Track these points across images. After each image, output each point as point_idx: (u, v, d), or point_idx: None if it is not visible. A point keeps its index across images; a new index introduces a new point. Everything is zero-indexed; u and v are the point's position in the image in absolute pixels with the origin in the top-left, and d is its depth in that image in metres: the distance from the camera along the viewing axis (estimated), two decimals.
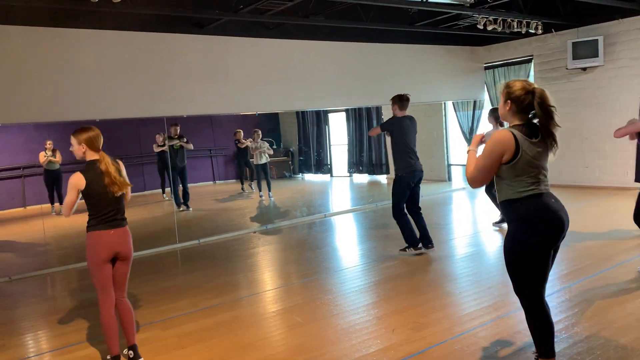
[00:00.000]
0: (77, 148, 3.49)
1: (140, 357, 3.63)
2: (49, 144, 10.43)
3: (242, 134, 12.06)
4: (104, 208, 3.49)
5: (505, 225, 7.01)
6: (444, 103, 11.94)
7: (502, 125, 7.02)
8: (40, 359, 3.99)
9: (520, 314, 4.03)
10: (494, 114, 7.02)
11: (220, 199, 12.24)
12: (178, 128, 10.33)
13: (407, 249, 6.06)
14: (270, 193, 11.50)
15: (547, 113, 2.86)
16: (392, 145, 6.11)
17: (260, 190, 11.72)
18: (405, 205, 6.00)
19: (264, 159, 11.36)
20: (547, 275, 2.96)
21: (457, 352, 3.52)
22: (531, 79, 10.36)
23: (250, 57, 8.11)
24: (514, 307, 4.25)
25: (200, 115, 9.20)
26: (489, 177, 2.91)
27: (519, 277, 2.95)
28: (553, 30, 9.63)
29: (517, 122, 2.89)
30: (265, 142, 11.50)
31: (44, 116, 6.67)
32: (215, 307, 4.83)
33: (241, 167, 12.70)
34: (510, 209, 2.93)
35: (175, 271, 6.66)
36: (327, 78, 8.97)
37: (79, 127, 3.54)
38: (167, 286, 5.67)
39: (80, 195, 3.49)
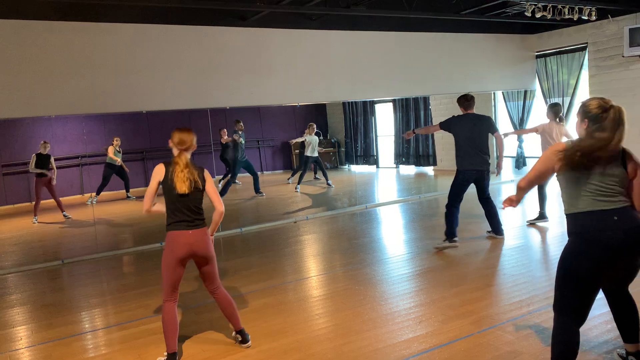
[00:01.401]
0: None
1: (247, 341, 3.77)
2: (116, 141, 11.39)
3: (225, 132, 11.95)
4: (180, 205, 3.53)
5: (541, 224, 6.87)
6: (493, 93, 11.62)
7: (561, 120, 6.83)
8: (83, 337, 4.23)
9: (552, 311, 3.95)
10: (554, 109, 6.87)
11: (267, 190, 12.41)
12: (241, 123, 11.14)
13: (443, 242, 6.03)
14: (329, 181, 11.92)
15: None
16: (455, 141, 6.15)
17: (299, 183, 11.92)
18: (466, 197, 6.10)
19: (317, 152, 11.76)
20: (588, 300, 2.79)
21: (482, 346, 3.48)
22: (585, 68, 9.97)
23: (293, 48, 8.17)
24: (545, 303, 4.15)
25: (243, 107, 9.36)
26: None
27: (561, 291, 2.88)
28: (609, 15, 9.17)
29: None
30: (316, 137, 11.84)
31: (97, 108, 6.97)
32: (249, 294, 4.95)
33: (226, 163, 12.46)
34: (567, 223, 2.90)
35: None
36: (371, 68, 8.91)
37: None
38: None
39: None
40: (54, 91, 6.50)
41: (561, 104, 10.29)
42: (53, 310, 4.93)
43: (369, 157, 14.98)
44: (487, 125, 6.18)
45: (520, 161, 11.23)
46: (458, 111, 6.33)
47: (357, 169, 15.14)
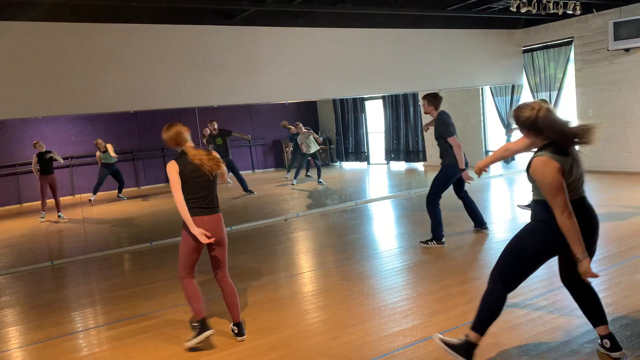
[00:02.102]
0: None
1: (243, 335, 3.85)
2: (98, 143, 11.26)
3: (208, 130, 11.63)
4: (196, 192, 3.68)
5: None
6: (482, 88, 11.70)
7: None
8: (72, 337, 4.24)
9: (537, 303, 4.01)
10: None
11: (257, 188, 12.43)
12: (215, 123, 10.75)
13: (429, 242, 5.96)
14: (320, 179, 11.90)
15: (557, 132, 2.82)
16: (443, 140, 6.03)
17: (295, 178, 11.93)
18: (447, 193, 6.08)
19: (313, 148, 11.78)
20: (529, 275, 3.04)
21: None
22: (571, 62, 10.06)
23: (281, 46, 8.19)
24: (531, 294, 4.20)
25: (231, 105, 9.37)
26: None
27: (512, 266, 3.01)
28: (594, 10, 9.26)
29: (542, 142, 2.88)
30: (312, 132, 11.88)
31: (84, 108, 6.98)
32: (239, 291, 4.94)
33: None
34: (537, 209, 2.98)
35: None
36: (359, 65, 8.94)
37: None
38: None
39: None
40: (41, 92, 6.49)
41: (548, 98, 10.38)
42: (42, 311, 4.94)
43: (359, 153, 15.03)
44: None
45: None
46: (445, 106, 6.33)
47: (348, 165, 15.18)
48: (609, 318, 3.20)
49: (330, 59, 8.65)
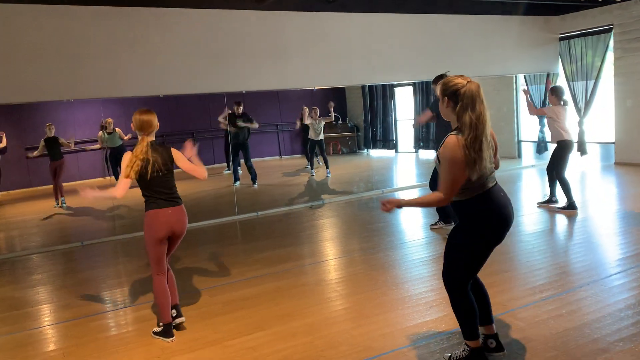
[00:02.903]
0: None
1: (181, 315, 3.90)
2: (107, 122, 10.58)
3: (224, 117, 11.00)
4: (155, 187, 3.65)
5: (553, 206, 6.78)
6: (515, 76, 11.41)
7: (566, 104, 6.69)
8: (99, 317, 4.32)
9: (565, 298, 3.90)
10: (558, 92, 6.71)
11: (284, 174, 12.45)
12: (241, 107, 10.40)
13: (438, 223, 6.31)
14: (327, 170, 11.48)
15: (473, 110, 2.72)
16: (439, 124, 5.98)
17: (312, 167, 11.81)
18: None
19: (321, 135, 11.33)
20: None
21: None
22: (610, 50, 9.71)
23: (310, 31, 8.11)
24: (560, 290, 4.10)
25: (259, 91, 9.34)
26: (457, 189, 2.78)
27: (456, 265, 2.95)
28: None
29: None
30: (322, 121, 11.39)
31: (115, 92, 7.05)
32: (262, 277, 4.99)
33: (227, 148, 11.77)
34: (458, 207, 2.93)
35: (230, 241, 6.91)
36: (390, 51, 8.81)
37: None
38: (221, 255, 5.92)
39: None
40: (70, 75, 6.58)
41: (584, 87, 10.07)
42: (72, 290, 5.04)
43: (387, 141, 14.87)
44: None
45: (542, 146, 11.03)
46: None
47: (376, 153, 15.06)
48: None
49: (360, 45, 8.53)
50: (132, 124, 3.65)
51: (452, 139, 2.74)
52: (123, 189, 3.60)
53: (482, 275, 4.37)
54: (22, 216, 9.60)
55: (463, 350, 3.01)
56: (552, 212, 6.72)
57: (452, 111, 2.81)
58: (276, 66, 7.84)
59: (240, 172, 10.77)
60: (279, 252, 5.87)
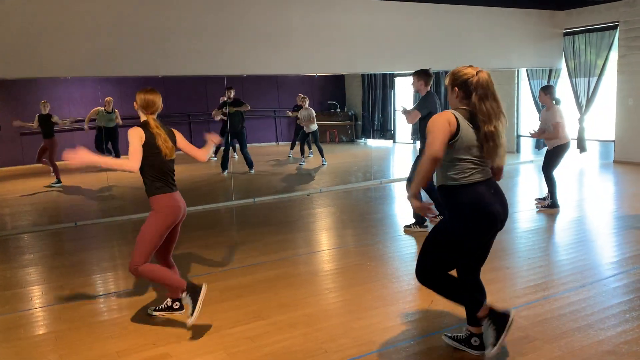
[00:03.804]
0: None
1: (183, 309, 3.75)
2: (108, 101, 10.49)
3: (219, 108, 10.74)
4: (165, 168, 3.48)
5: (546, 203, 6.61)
6: (518, 70, 11.33)
7: (558, 103, 6.46)
8: (93, 301, 4.24)
9: (569, 297, 3.85)
10: (549, 91, 6.39)
11: (281, 160, 12.35)
12: (232, 92, 9.98)
13: (412, 226, 5.90)
14: (323, 159, 11.31)
15: (486, 97, 2.71)
16: (422, 123, 5.63)
17: (302, 156, 11.67)
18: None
19: (313, 127, 11.14)
20: (477, 263, 3.02)
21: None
22: (615, 47, 9.63)
23: (313, 16, 7.97)
24: (563, 288, 4.05)
25: (261, 75, 9.21)
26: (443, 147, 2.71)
27: (440, 257, 2.91)
28: None
29: (462, 107, 2.79)
30: (311, 112, 11.15)
31: (114, 71, 6.90)
32: (260, 264, 4.91)
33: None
34: (444, 195, 2.88)
35: (227, 227, 6.84)
36: (394, 40, 8.69)
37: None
38: (218, 241, 5.84)
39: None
40: (71, 52, 6.42)
41: (587, 84, 10.01)
42: (65, 272, 4.95)
43: (386, 131, 14.78)
44: None
45: (540, 142, 10.97)
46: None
47: (373, 143, 14.97)
48: None
49: (364, 32, 8.41)
50: (135, 103, 3.48)
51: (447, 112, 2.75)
52: (139, 161, 3.35)
53: (483, 269, 4.31)
54: (14, 194, 9.45)
55: (465, 333, 3.11)
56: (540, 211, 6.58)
57: (461, 101, 2.78)
58: (278, 51, 7.70)
59: (236, 157, 10.60)
60: (276, 239, 5.79)
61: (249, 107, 10.30)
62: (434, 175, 2.87)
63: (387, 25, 8.60)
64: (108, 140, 10.78)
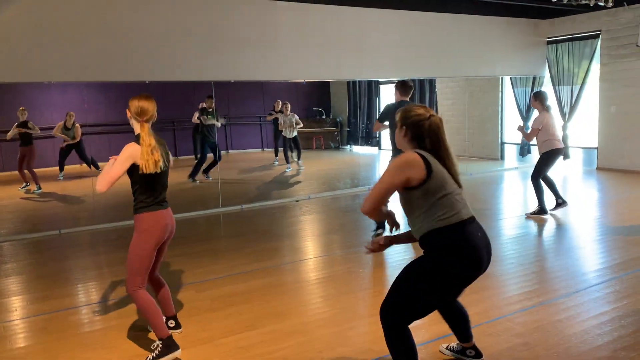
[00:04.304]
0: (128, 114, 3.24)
1: (180, 327, 3.57)
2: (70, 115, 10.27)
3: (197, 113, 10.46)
4: (157, 184, 3.21)
5: (557, 212, 6.64)
6: (502, 78, 11.44)
7: (548, 110, 6.48)
8: (80, 310, 4.12)
9: (563, 303, 3.86)
10: (541, 97, 6.42)
11: (267, 167, 12.27)
12: (213, 101, 9.79)
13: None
14: (300, 161, 11.39)
15: (438, 143, 2.55)
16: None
17: (288, 162, 11.61)
18: None
19: (294, 132, 11.21)
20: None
21: (492, 337, 3.38)
22: (597, 56, 9.78)
23: (302, 23, 7.95)
24: (557, 294, 4.06)
25: (249, 81, 9.17)
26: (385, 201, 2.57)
27: (408, 299, 2.61)
28: (625, 3, 8.96)
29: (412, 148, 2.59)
30: (295, 116, 11.25)
31: (100, 76, 6.79)
32: (251, 272, 4.84)
33: (195, 143, 11.30)
34: (431, 240, 2.55)
35: (216, 235, 6.75)
36: (380, 47, 8.70)
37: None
38: (207, 249, 5.75)
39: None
40: (55, 57, 6.30)
41: (569, 92, 10.14)
42: (49, 281, 4.82)
43: (371, 138, 14.81)
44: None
45: (525, 148, 11.10)
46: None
47: (359, 150, 14.99)
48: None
49: (351, 39, 8.41)
50: (127, 110, 3.22)
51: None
52: (108, 185, 3.07)
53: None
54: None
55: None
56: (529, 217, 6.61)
57: (410, 142, 2.59)
58: (266, 57, 7.66)
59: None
60: (266, 247, 5.72)
61: (219, 125, 10.13)
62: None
63: (373, 33, 8.62)
64: (70, 151, 10.61)
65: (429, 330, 3.51)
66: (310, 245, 6.03)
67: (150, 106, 3.19)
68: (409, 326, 2.67)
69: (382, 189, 2.51)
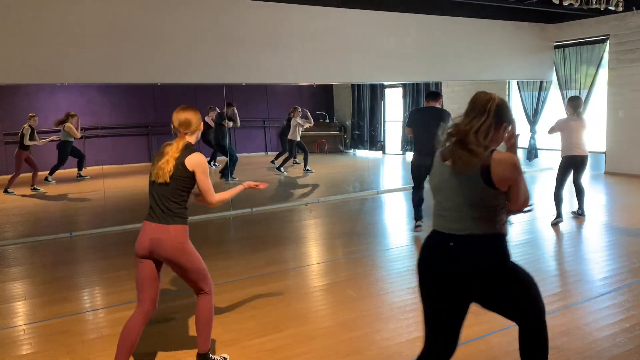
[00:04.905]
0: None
1: None
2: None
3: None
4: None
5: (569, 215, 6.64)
6: (508, 82, 11.45)
7: (579, 116, 6.44)
8: (98, 314, 4.08)
9: (587, 307, 3.83)
10: (574, 103, 6.40)
11: (275, 170, 12.23)
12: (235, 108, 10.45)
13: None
14: (307, 166, 11.48)
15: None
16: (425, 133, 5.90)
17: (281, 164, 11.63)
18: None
19: (299, 136, 11.27)
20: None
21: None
22: (604, 61, 9.79)
23: (311, 26, 7.94)
24: (582, 297, 4.03)
25: (259, 83, 9.15)
26: None
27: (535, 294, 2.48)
28: (634, 8, 8.98)
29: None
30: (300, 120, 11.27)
31: (105, 77, 6.75)
32: (269, 275, 4.81)
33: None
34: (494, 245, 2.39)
35: (229, 237, 6.71)
36: (389, 51, 8.69)
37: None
38: (221, 251, 5.71)
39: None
40: (66, 58, 6.26)
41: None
42: (57, 285, 4.76)
43: (375, 142, 14.78)
44: (432, 117, 5.96)
45: (532, 152, 11.09)
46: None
47: (363, 154, 14.96)
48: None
49: (360, 42, 8.39)
50: (171, 124, 3.07)
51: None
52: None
53: None
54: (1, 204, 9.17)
55: None
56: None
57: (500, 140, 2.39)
58: (277, 60, 7.63)
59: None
60: (283, 249, 5.69)
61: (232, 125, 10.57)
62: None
63: (382, 36, 8.60)
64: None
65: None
66: (326, 248, 5.98)
67: (190, 117, 3.05)
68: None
69: (524, 183, 2.35)
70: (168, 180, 2.92)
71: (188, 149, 2.98)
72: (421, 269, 2.41)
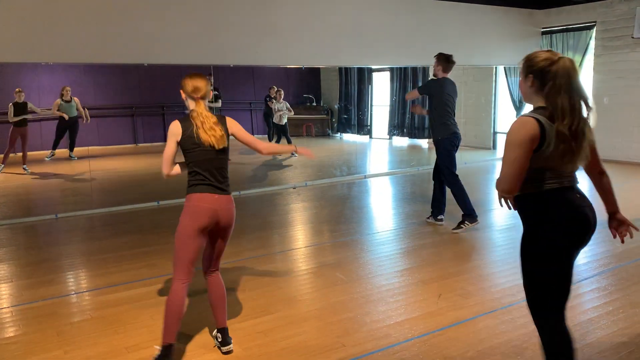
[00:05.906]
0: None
1: (228, 343, 3.12)
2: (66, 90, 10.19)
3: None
4: (201, 165, 2.98)
5: None
6: (496, 67, 11.49)
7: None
8: (85, 296, 4.06)
9: (573, 289, 3.89)
10: None
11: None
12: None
13: (462, 225, 5.52)
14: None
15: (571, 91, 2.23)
16: (431, 108, 5.66)
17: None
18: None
19: (285, 120, 11.21)
20: (569, 285, 2.42)
21: (508, 322, 3.41)
22: (591, 47, 9.86)
23: (300, 8, 7.86)
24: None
25: (246, 65, 9.07)
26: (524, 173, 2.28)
27: (536, 287, 2.44)
28: None
29: (540, 104, 2.29)
30: (286, 103, 11.25)
31: (92, 57, 6.65)
32: (258, 258, 4.82)
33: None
34: (527, 205, 2.42)
35: None
36: (377, 34, 8.66)
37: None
38: None
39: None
40: (53, 37, 6.15)
41: None
42: (44, 267, 4.73)
43: (362, 126, 14.78)
44: (456, 91, 5.70)
45: None
46: (457, 84, 5.86)
47: (349, 138, 14.96)
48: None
49: (349, 26, 8.34)
50: (181, 90, 3.02)
51: (521, 119, 2.27)
52: (167, 167, 3.02)
53: (480, 265, 4.30)
54: None
55: None
56: None
57: (537, 92, 2.29)
58: (265, 42, 7.56)
59: None
60: (272, 233, 5.70)
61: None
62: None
63: (370, 19, 8.56)
64: (66, 130, 10.43)
65: (445, 317, 3.53)
66: (314, 231, 6.01)
67: (202, 83, 3.01)
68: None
69: (506, 160, 2.28)
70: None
71: (215, 115, 3.02)
72: (578, 224, 2.39)
